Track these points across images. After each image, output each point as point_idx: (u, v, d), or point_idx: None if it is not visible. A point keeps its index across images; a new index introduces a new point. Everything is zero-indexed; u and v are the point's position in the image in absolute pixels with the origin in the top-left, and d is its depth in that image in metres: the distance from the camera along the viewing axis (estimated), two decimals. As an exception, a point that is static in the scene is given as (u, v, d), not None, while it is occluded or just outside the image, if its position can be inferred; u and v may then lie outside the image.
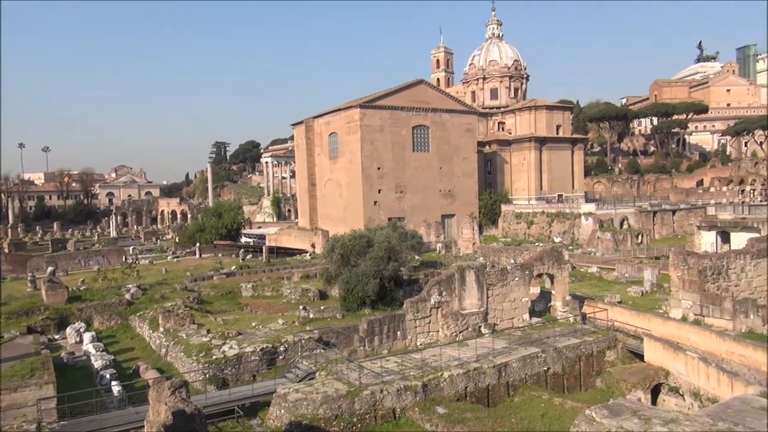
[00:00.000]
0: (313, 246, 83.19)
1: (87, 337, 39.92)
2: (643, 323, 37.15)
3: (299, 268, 61.55)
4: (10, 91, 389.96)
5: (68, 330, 42.08)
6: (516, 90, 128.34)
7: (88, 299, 49.06)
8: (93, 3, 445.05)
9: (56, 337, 42.09)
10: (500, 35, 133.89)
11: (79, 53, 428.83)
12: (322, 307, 43.23)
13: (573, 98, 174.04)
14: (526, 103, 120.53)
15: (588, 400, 29.25)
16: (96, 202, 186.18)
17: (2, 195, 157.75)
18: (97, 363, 34.08)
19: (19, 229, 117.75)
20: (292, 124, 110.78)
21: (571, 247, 78.27)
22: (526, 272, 40.62)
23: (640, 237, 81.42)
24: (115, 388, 29.72)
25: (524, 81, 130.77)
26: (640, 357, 34.30)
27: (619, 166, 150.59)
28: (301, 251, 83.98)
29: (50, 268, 55.56)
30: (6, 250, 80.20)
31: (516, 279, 39.92)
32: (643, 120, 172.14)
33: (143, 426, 21.06)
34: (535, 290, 45.20)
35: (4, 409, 24.96)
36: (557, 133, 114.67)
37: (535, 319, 40.61)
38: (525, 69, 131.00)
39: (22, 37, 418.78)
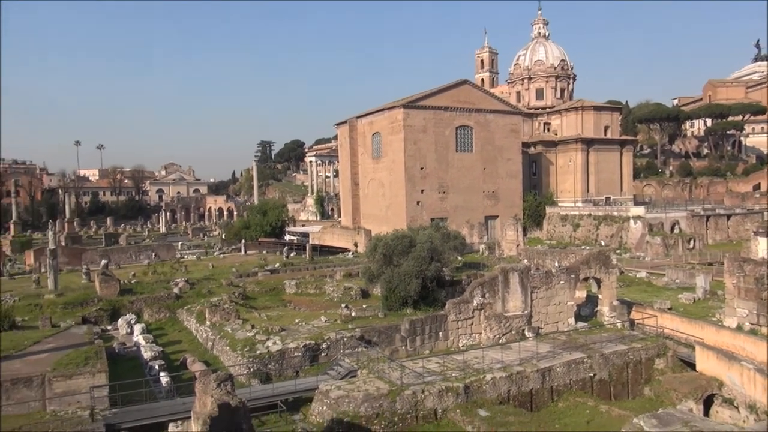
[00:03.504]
0: (355, 245, 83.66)
1: (137, 328, 41.28)
2: (695, 331, 35.93)
3: (342, 267, 61.96)
4: (67, 89, 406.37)
5: (120, 321, 43.63)
6: (562, 90, 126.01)
7: (138, 292, 50.73)
8: (145, 3, 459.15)
9: (108, 327, 43.66)
10: (546, 34, 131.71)
11: (129, 53, 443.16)
12: (364, 306, 43.42)
13: (622, 99, 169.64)
14: (572, 103, 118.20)
15: (636, 408, 28.45)
16: (147, 198, 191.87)
17: (60, 191, 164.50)
18: (146, 354, 35.17)
19: (75, 223, 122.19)
20: (336, 124, 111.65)
21: (618, 251, 76.42)
22: (572, 276, 39.84)
23: (692, 242, 78.71)
24: (164, 378, 30.62)
25: (571, 81, 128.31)
26: (692, 366, 33.16)
27: (670, 168, 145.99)
28: (344, 250, 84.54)
29: (103, 262, 57.50)
30: (63, 244, 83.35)
31: (561, 282, 39.19)
32: (696, 121, 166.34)
33: (190, 416, 21.59)
34: (580, 294, 44.33)
35: (60, 395, 25.99)
36: (605, 135, 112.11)
37: (580, 324, 39.79)
38: (572, 69, 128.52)
39: (80, 34, 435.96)
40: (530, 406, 29.21)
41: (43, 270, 61.84)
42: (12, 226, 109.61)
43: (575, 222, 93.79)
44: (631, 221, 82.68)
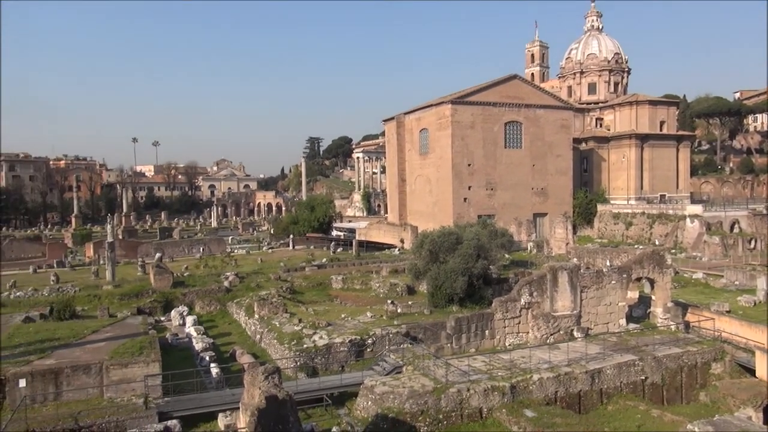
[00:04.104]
0: (401, 241, 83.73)
1: (189, 320, 42.52)
2: (755, 335, 34.37)
3: (388, 263, 62.13)
4: (123, 88, 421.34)
5: (173, 313, 45.03)
6: (616, 84, 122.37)
7: (190, 285, 52.25)
8: (197, 2, 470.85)
9: (162, 318, 45.14)
10: (600, 27, 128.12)
11: (183, 53, 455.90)
12: (409, 302, 43.41)
13: (679, 93, 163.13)
14: (626, 97, 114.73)
15: (690, 414, 27.42)
16: (199, 193, 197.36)
17: (118, 186, 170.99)
18: (197, 345, 36.17)
19: (131, 217, 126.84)
20: (384, 120, 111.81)
21: (673, 251, 73.91)
22: (624, 276, 38.73)
23: (753, 242, 75.27)
24: (214, 369, 31.43)
25: (625, 75, 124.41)
26: (751, 372, 31.78)
27: (730, 165, 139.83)
28: (390, 246, 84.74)
29: (158, 255, 59.53)
30: (120, 237, 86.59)
31: (612, 282, 38.18)
32: (759, 116, 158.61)
33: (238, 407, 22.12)
34: (633, 295, 43.08)
35: (116, 383, 27.05)
36: (660, 130, 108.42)
37: (632, 325, 38.69)
38: (626, 62, 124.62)
39: (137, 35, 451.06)
40: (578, 408, 28.61)
41: (101, 262, 64.44)
42: (73, 220, 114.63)
43: (628, 220, 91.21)
44: (688, 220, 79.74)
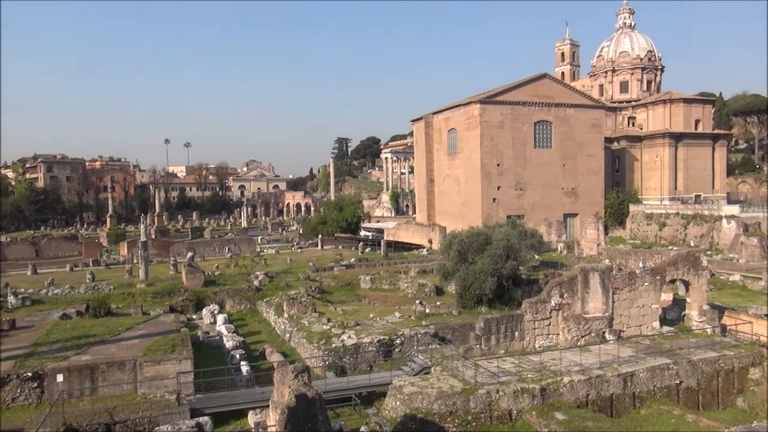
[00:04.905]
0: (430, 241, 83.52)
1: (220, 318, 43.12)
2: (795, 340, 33.26)
3: (416, 263, 62.03)
4: (156, 90, 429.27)
5: (204, 311, 45.74)
6: (649, 82, 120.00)
7: (221, 284, 53.00)
8: (231, 3, 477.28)
9: (193, 317, 45.88)
10: (632, 24, 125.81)
11: (211, 56, 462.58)
12: (438, 303, 43.28)
13: (715, 90, 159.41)
14: (660, 96, 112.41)
15: (727, 420, 26.73)
16: (229, 193, 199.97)
17: (150, 186, 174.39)
18: (228, 343, 36.65)
19: (163, 217, 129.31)
20: (412, 120, 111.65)
21: (709, 252, 72.03)
22: (657, 277, 37.97)
23: (793, 244, 72.93)
24: (244, 367, 31.81)
25: (658, 72, 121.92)
26: (791, 377, 30.77)
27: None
28: (418, 246, 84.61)
29: (189, 254, 60.45)
30: (153, 236, 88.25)
31: (645, 284, 37.45)
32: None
33: (268, 405, 22.30)
34: (666, 297, 42.17)
35: (150, 379, 27.58)
36: (695, 129, 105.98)
37: (666, 328, 37.88)
38: (659, 60, 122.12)
39: (162, 38, 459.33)
40: (610, 411, 28.09)
41: (135, 261, 65.80)
42: (108, 219, 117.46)
43: (661, 221, 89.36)
44: (724, 221, 77.73)
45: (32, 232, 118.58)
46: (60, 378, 26.48)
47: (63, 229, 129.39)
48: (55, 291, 49.49)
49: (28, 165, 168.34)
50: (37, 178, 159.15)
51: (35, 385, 26.43)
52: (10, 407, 25.88)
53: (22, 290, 48.94)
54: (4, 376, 26.19)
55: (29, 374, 26.40)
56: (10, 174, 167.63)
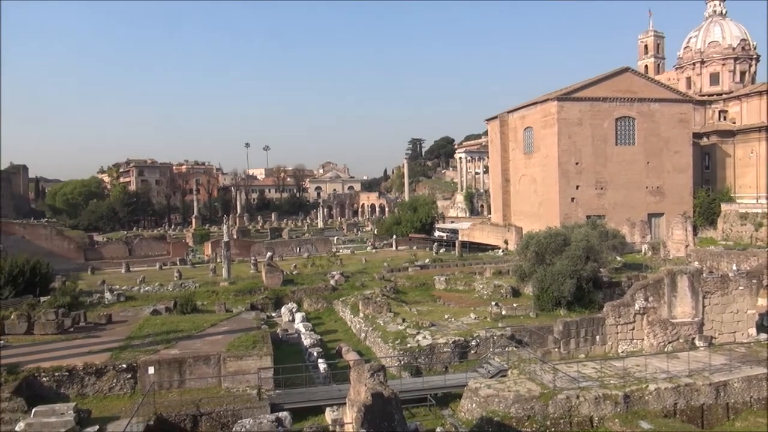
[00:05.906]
0: (505, 242, 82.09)
1: (298, 317, 44.30)
2: None
3: (491, 264, 61.12)
4: (238, 94, 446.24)
5: (283, 309, 47.13)
6: (742, 73, 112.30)
7: (299, 283, 54.43)
8: (308, 3, 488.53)
9: (273, 314, 47.35)
10: (723, 12, 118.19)
11: (287, 62, 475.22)
12: (514, 305, 42.47)
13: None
14: (755, 87, 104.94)
15: (834, 436, 24.65)
16: (306, 195, 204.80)
17: (232, 188, 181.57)
18: (306, 341, 37.59)
19: (244, 218, 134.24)
20: (486, 120, 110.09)
21: (812, 255, 66.59)
22: (753, 281, 35.58)
23: None
24: (321, 365, 32.52)
25: (753, 62, 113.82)
26: None
27: None
28: (494, 247, 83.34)
29: (269, 254, 62.46)
30: (234, 237, 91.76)
31: (740, 288, 35.18)
32: None
33: (344, 403, 22.69)
34: (764, 302, 39.39)
35: (232, 374, 28.74)
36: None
37: (763, 336, 35.37)
38: (754, 49, 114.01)
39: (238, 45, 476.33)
40: (700, 422, 26.56)
41: (218, 260, 68.64)
42: (193, 220, 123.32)
43: (757, 221, 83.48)
44: (830, 220, 71.61)
45: (125, 232, 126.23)
46: (152, 370, 28.14)
47: (153, 230, 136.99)
48: (146, 288, 52.54)
49: (121, 170, 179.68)
50: (130, 181, 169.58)
51: (129, 376, 28.25)
52: (107, 396, 27.75)
53: (117, 287, 52.29)
54: (102, 367, 28.14)
55: (124, 366, 28.26)
56: (105, 178, 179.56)
